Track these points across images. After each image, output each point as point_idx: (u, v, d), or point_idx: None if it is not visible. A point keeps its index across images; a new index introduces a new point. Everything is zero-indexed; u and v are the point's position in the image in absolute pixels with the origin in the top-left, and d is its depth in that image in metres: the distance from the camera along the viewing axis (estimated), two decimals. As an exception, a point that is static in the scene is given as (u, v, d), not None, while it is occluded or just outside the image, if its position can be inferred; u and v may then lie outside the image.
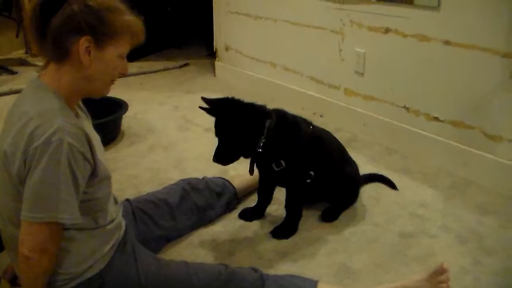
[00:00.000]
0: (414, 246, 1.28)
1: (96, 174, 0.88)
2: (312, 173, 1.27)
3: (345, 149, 1.43)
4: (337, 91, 2.09)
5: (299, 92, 2.29)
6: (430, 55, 1.67)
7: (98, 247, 0.94)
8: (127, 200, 1.22)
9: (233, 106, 1.14)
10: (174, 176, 1.62)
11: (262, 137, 1.15)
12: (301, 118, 1.30)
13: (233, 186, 1.42)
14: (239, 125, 1.14)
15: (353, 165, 1.42)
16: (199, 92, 2.60)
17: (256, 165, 1.24)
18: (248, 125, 1.15)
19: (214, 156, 1.17)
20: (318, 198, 1.43)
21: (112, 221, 0.97)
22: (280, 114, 1.22)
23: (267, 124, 1.15)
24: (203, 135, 1.95)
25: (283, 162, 1.20)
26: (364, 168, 1.59)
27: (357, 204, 1.47)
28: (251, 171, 1.23)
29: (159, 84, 2.75)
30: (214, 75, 2.90)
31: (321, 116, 2.17)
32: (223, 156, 1.18)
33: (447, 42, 1.61)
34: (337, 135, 1.45)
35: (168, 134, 2.03)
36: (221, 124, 1.15)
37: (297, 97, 2.29)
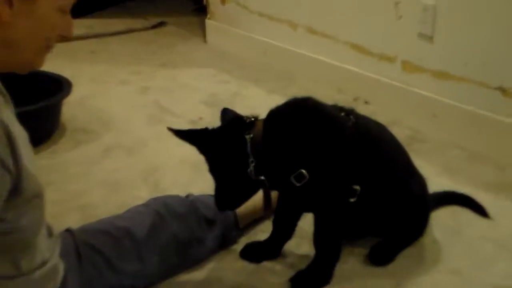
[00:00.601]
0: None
1: (20, 190, 0.87)
2: (357, 188, 1.26)
3: (408, 154, 1.42)
4: (392, 64, 2.09)
5: (333, 67, 2.28)
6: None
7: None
8: (69, 231, 1.22)
9: (201, 130, 1.26)
10: (142, 193, 1.61)
11: (250, 160, 1.19)
12: (330, 106, 1.30)
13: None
14: (210, 154, 1.24)
15: (419, 178, 1.41)
16: (180, 66, 2.65)
17: (271, 186, 1.26)
18: (218, 151, 1.23)
19: (215, 200, 1.29)
20: (365, 229, 1.43)
21: (43, 264, 0.96)
22: (278, 112, 1.26)
23: (248, 140, 1.20)
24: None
25: (305, 173, 1.19)
26: (434, 183, 1.55)
27: (425, 240, 1.45)
28: (265, 206, 1.29)
29: (119, 54, 2.76)
30: (204, 41, 2.91)
31: (366, 103, 2.18)
32: (224, 198, 1.27)
33: None
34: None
35: (134, 129, 2.03)
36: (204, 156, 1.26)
37: (329, 74, 2.28)
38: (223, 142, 1.23)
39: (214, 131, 1.26)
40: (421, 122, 1.99)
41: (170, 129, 1.23)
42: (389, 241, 1.41)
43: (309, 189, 1.22)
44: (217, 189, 1.27)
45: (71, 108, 2.07)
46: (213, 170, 1.26)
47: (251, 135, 1.21)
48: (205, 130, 1.26)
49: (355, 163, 1.25)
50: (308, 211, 1.35)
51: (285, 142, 1.22)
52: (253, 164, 1.20)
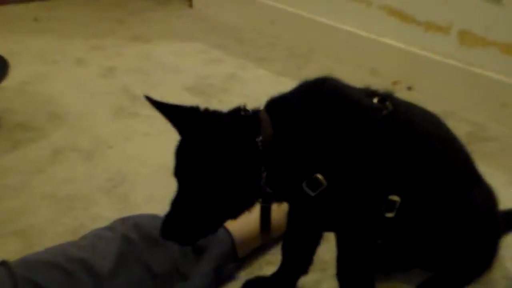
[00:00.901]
0: None
1: None
2: (396, 199, 1.24)
3: (470, 156, 1.40)
4: (444, 36, 2.11)
5: (364, 40, 2.32)
6: None
7: None
8: (4, 264, 1.22)
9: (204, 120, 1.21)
10: (105, 211, 1.63)
11: (263, 169, 1.18)
12: (358, 89, 1.28)
13: (229, 234, 1.44)
14: (214, 164, 1.17)
15: (485, 188, 1.40)
16: (158, 40, 2.67)
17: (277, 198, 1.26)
18: (227, 164, 1.16)
19: (162, 225, 1.20)
20: (408, 258, 1.45)
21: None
22: (282, 100, 1.24)
23: (259, 143, 1.18)
24: (165, 128, 1.92)
25: (321, 178, 1.19)
26: (504, 196, 1.53)
27: (494, 274, 1.45)
28: (263, 228, 1.26)
29: (74, 22, 2.79)
30: (190, 5, 2.96)
31: (409, 88, 2.22)
32: (179, 223, 1.20)
33: None
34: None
35: (94, 126, 2.05)
36: (183, 154, 1.22)
37: (359, 50, 2.32)
38: (226, 149, 1.17)
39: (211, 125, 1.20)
40: (485, 114, 2.01)
41: (148, 99, 1.22)
42: (443, 276, 1.41)
43: (326, 199, 1.20)
44: (176, 209, 1.21)
45: (8, 96, 2.08)
46: (189, 183, 1.21)
47: (260, 137, 1.18)
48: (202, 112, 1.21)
49: (393, 165, 1.23)
50: (327, 229, 1.34)
51: (302, 141, 1.19)
52: (265, 174, 1.18)
